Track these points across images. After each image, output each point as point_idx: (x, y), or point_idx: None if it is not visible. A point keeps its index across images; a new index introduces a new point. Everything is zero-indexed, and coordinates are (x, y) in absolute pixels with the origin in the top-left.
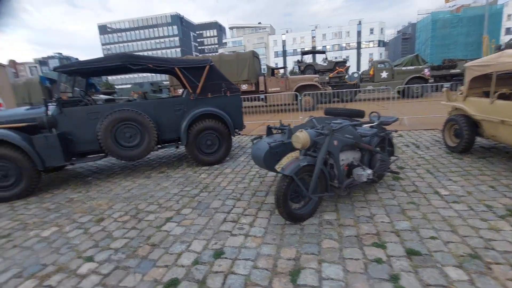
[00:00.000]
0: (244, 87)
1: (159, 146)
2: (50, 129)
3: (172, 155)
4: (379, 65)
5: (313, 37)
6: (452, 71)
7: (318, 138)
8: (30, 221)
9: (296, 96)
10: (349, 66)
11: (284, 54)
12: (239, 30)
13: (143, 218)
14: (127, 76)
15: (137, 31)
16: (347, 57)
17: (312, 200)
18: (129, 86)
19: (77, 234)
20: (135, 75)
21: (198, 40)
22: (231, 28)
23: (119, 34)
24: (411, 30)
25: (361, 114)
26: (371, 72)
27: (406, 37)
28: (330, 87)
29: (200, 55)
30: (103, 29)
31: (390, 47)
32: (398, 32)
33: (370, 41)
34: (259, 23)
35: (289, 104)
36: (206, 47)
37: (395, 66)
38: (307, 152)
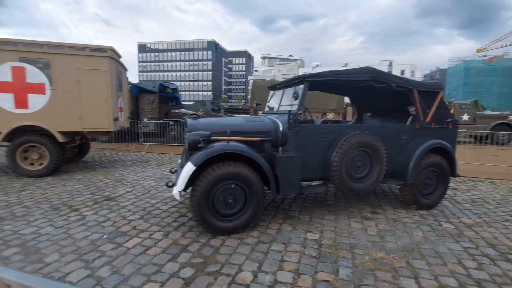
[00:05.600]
0: (330, 116)
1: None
2: (278, 147)
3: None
4: (461, 107)
5: None
6: None
7: None
8: (320, 276)
9: None
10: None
11: None
12: (270, 60)
13: None
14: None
15: (173, 53)
16: None
17: None
18: (190, 103)
19: None
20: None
21: (228, 66)
22: (263, 58)
23: (156, 53)
24: (439, 75)
25: None
26: (451, 112)
27: (434, 82)
28: None
29: (229, 80)
30: (142, 48)
31: None
32: (425, 76)
33: None
34: (290, 55)
35: None
36: (234, 73)
37: None
38: None
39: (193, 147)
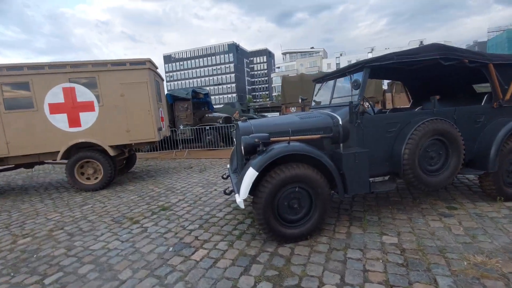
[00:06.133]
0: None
1: None
2: (340, 144)
3: None
4: None
5: None
6: None
7: None
8: None
9: None
10: None
11: None
12: (291, 55)
13: None
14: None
15: (196, 60)
16: None
17: None
18: (219, 106)
19: None
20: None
21: (250, 66)
22: (284, 54)
23: (180, 62)
24: (478, 49)
25: None
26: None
27: None
28: None
29: (252, 80)
30: (168, 59)
31: None
32: None
33: None
34: (312, 47)
35: None
36: (256, 72)
37: None
38: None
39: (250, 151)
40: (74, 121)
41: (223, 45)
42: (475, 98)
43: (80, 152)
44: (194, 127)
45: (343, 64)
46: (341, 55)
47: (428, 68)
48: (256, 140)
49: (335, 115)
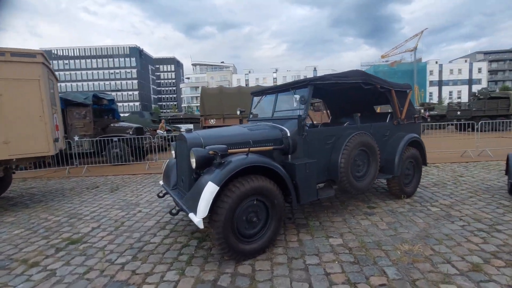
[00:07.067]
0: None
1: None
2: (289, 155)
3: None
4: None
5: (274, 78)
6: (431, 112)
7: None
8: (374, 282)
9: None
10: None
11: None
12: (201, 67)
13: None
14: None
15: (88, 60)
16: None
17: None
18: (125, 115)
19: None
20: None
21: (156, 73)
22: (194, 65)
23: (65, 61)
24: None
25: None
26: None
27: (404, 83)
28: None
29: (158, 88)
30: (47, 55)
31: None
32: None
33: None
34: (222, 62)
35: None
36: (163, 81)
37: None
38: None
39: (203, 164)
40: None
41: (124, 47)
42: (378, 116)
43: None
44: (95, 139)
45: (252, 80)
46: (249, 72)
47: (346, 89)
48: (211, 152)
49: (283, 127)
